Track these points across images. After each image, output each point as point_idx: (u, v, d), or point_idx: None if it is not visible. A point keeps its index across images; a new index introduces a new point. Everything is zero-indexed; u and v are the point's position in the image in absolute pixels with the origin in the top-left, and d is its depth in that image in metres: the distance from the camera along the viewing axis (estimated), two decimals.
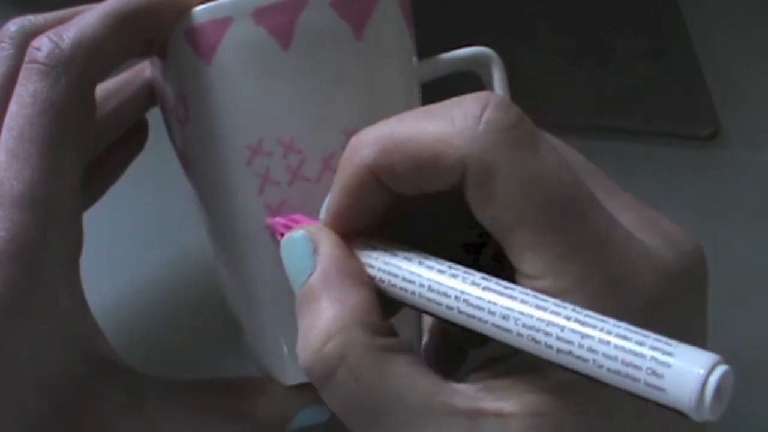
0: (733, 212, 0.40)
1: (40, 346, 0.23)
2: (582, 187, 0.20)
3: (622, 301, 0.19)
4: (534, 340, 0.19)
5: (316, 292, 0.21)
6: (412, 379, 0.20)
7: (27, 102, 0.23)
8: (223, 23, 0.25)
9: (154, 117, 0.29)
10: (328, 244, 0.22)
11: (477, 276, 0.20)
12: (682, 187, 0.41)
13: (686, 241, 0.22)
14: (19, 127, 0.23)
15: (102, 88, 0.29)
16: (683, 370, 0.16)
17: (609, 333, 0.18)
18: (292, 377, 0.27)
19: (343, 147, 0.25)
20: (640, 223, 0.21)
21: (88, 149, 0.25)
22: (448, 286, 0.20)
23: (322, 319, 0.21)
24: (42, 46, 0.23)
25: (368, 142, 0.22)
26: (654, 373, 0.17)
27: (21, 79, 0.23)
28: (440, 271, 0.21)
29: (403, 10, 0.27)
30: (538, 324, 0.18)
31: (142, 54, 0.27)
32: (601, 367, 0.18)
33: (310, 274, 0.22)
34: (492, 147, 0.19)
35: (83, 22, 0.24)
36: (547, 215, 0.19)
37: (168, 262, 0.35)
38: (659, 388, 0.17)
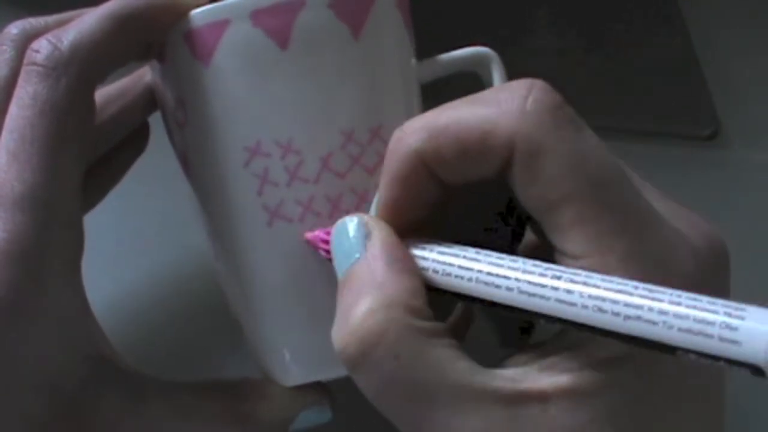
0: (733, 212, 0.40)
1: (41, 347, 0.23)
2: (623, 169, 0.21)
3: (663, 281, 0.19)
4: (600, 309, 0.19)
5: (362, 275, 0.21)
6: (453, 361, 0.20)
7: (27, 104, 0.23)
8: (220, 26, 0.25)
9: (155, 119, 0.30)
10: (380, 231, 0.22)
11: (533, 261, 0.20)
12: (682, 187, 0.41)
13: (713, 232, 0.22)
14: (20, 129, 0.23)
15: (103, 93, 0.29)
16: (758, 323, 0.17)
17: (679, 296, 0.18)
18: (293, 378, 0.27)
19: (341, 147, 0.25)
20: (671, 212, 0.22)
21: (88, 150, 0.25)
22: (508, 268, 0.20)
23: (364, 298, 0.21)
24: (41, 48, 0.24)
25: (414, 130, 0.22)
26: (728, 326, 0.17)
27: (21, 81, 0.24)
28: (498, 257, 0.21)
29: (401, 11, 0.27)
30: (604, 293, 0.19)
31: (142, 58, 0.27)
32: (671, 327, 0.18)
33: (358, 258, 0.22)
34: (540, 125, 0.20)
35: (82, 24, 0.24)
36: (593, 192, 0.20)
37: (169, 264, 0.35)
38: (734, 342, 0.17)
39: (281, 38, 0.25)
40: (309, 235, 0.25)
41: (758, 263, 0.38)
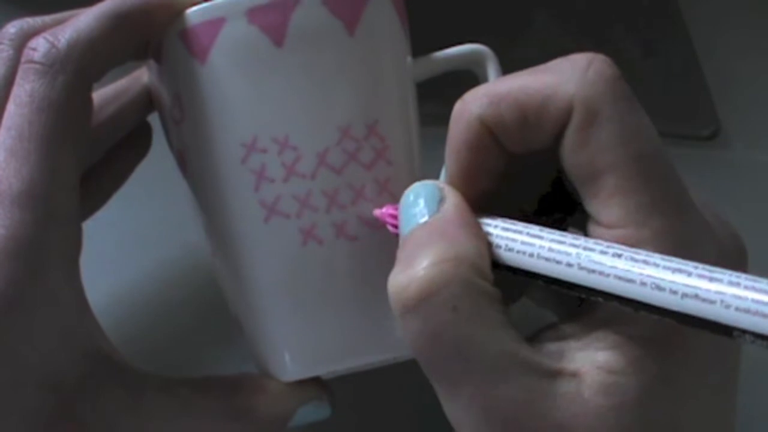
0: (733, 212, 0.40)
1: (41, 343, 0.23)
2: (667, 150, 0.21)
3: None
4: (658, 287, 0.19)
5: (431, 231, 0.22)
6: (505, 328, 0.20)
7: (24, 101, 0.23)
8: (216, 23, 0.25)
9: (155, 123, 0.30)
10: (454, 196, 0.23)
11: (593, 240, 0.21)
12: None
13: (736, 232, 0.23)
14: (18, 126, 0.23)
15: (100, 94, 0.29)
16: None
17: (738, 277, 0.18)
18: (291, 373, 0.27)
19: (337, 143, 0.25)
20: (700, 203, 0.22)
21: (86, 148, 0.25)
22: (570, 244, 0.20)
23: (433, 248, 0.21)
24: (38, 46, 0.24)
25: (475, 97, 0.22)
26: None
27: (18, 79, 0.24)
28: (561, 235, 0.21)
29: (396, 8, 0.27)
30: (663, 273, 0.19)
31: (139, 57, 0.27)
32: (728, 307, 0.18)
33: (428, 219, 0.22)
34: (599, 94, 0.21)
35: (79, 22, 0.24)
36: (639, 164, 0.20)
37: (166, 262, 0.35)
38: None
39: (277, 36, 0.25)
40: (378, 211, 0.25)
41: (758, 263, 0.38)
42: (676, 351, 0.20)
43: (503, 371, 0.20)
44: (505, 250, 0.22)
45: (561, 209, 0.25)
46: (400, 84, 0.27)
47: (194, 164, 0.27)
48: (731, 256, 0.22)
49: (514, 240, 0.22)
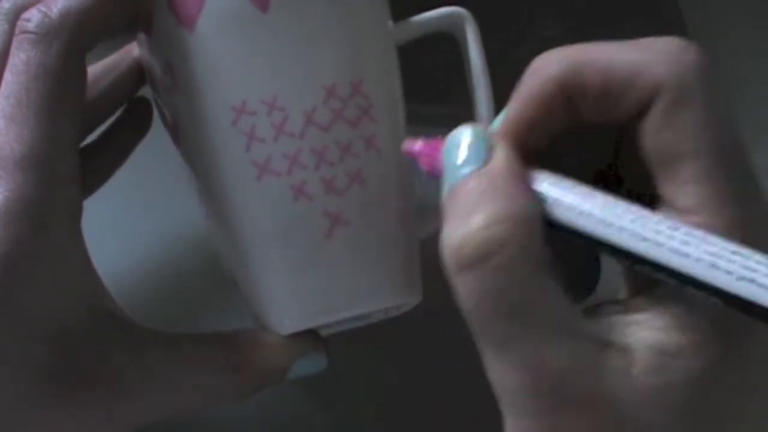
0: None
1: (48, 300, 0.24)
2: (743, 141, 0.21)
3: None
4: (713, 265, 0.19)
5: (484, 183, 0.21)
6: (559, 293, 0.20)
7: (21, 69, 0.24)
8: None
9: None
10: (505, 146, 0.22)
11: (650, 211, 0.20)
12: None
13: None
14: (15, 94, 0.24)
15: (92, 71, 0.30)
16: None
17: None
18: (287, 326, 0.28)
19: (324, 102, 0.27)
20: None
21: (80, 119, 0.26)
22: (623, 209, 0.20)
23: (490, 205, 0.20)
24: (32, 17, 0.25)
25: (558, 58, 0.22)
26: None
27: (13, 49, 0.25)
28: (615, 198, 0.21)
29: None
30: (721, 251, 0.19)
31: (129, 30, 0.28)
32: None
33: (478, 168, 0.21)
34: (690, 77, 0.21)
35: None
36: (719, 153, 0.20)
37: (164, 230, 0.36)
38: None
39: (261, 1, 0.26)
40: (411, 146, 0.24)
41: None
42: (733, 343, 0.20)
43: (554, 337, 0.20)
44: (554, 205, 0.21)
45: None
46: (382, 44, 0.28)
47: (187, 131, 0.28)
48: None
49: (563, 196, 0.21)
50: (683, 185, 0.20)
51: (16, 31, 0.25)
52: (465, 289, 0.21)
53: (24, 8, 0.26)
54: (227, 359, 0.27)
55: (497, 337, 0.20)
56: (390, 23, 0.29)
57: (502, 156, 0.22)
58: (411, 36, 0.30)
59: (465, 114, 0.28)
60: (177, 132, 0.28)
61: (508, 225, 0.20)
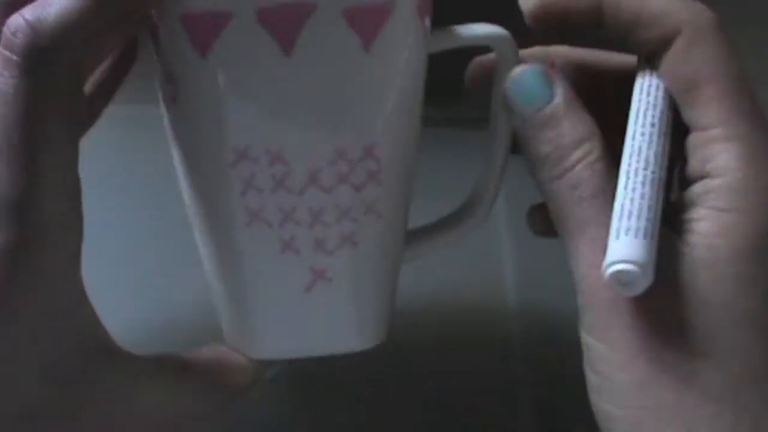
0: None
1: (40, 335, 0.23)
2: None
3: (763, 165, 0.24)
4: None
5: (561, 113, 0.26)
6: (611, 196, 0.24)
7: (9, 101, 0.21)
8: (222, 16, 0.23)
9: (155, 120, 0.27)
10: (562, 80, 0.26)
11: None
12: None
13: None
14: (5, 131, 0.22)
15: None
16: None
17: None
18: (259, 354, 0.28)
19: (331, 163, 0.25)
20: None
21: (80, 132, 0.24)
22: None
23: (575, 130, 0.25)
24: (18, 32, 0.21)
25: None
26: None
27: (0, 68, 0.22)
28: (652, 125, 0.25)
29: (421, 16, 0.25)
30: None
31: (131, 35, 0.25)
32: None
33: (548, 102, 0.26)
34: (706, 23, 0.25)
35: (63, 2, 0.22)
36: (732, 79, 0.25)
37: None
38: None
39: (286, 42, 0.23)
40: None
41: None
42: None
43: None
44: None
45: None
46: (407, 105, 0.26)
47: (183, 151, 0.26)
48: None
49: None
50: (704, 106, 0.25)
51: (3, 41, 0.22)
52: (552, 192, 0.25)
53: (11, 5, 0.22)
54: (208, 384, 0.27)
55: (568, 231, 0.25)
56: (423, 79, 0.26)
57: (566, 91, 0.26)
58: (446, 46, 0.27)
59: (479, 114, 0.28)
60: (172, 138, 0.26)
61: (594, 143, 0.25)
